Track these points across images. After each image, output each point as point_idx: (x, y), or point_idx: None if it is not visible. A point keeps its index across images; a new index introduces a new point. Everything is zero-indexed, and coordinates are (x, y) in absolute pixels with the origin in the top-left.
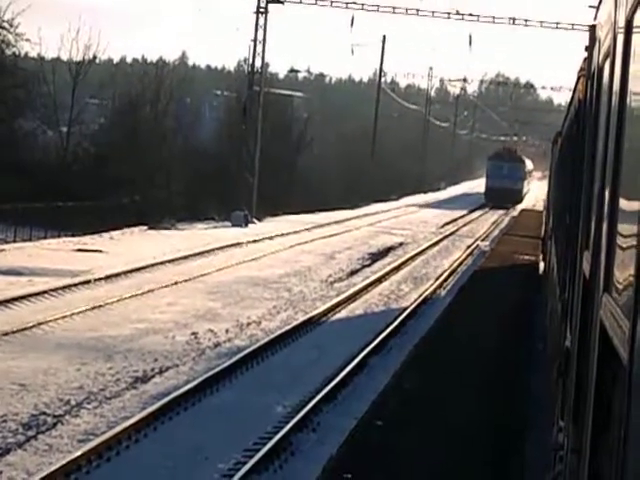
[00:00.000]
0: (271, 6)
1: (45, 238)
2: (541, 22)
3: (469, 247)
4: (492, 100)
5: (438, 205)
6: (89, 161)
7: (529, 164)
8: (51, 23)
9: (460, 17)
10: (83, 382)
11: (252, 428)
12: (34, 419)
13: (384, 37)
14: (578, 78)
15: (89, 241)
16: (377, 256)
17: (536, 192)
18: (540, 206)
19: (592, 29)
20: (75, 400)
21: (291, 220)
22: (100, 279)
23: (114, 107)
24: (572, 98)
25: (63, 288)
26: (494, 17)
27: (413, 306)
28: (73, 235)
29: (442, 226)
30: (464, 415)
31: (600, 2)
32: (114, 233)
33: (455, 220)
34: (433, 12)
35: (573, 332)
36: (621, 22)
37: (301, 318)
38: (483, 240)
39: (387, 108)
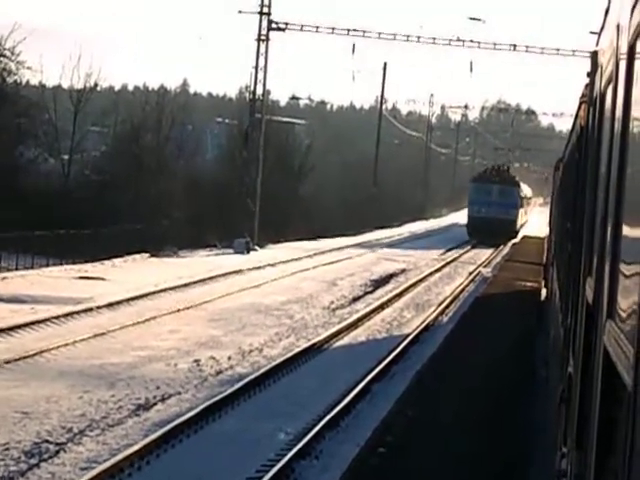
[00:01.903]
0: (272, 33)
1: (47, 266)
2: (542, 48)
3: (471, 274)
4: (493, 126)
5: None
6: (91, 189)
7: (526, 189)
8: (52, 51)
9: (461, 43)
10: (85, 410)
11: (255, 455)
12: (36, 447)
13: (385, 64)
14: (580, 104)
15: (91, 269)
16: (379, 283)
17: (536, 222)
18: (541, 234)
19: (594, 55)
20: (78, 428)
21: (293, 247)
22: (102, 307)
23: (115, 135)
24: (574, 124)
25: (65, 316)
26: (495, 43)
27: (415, 333)
28: (75, 263)
29: (445, 252)
30: (467, 442)
31: (602, 28)
32: (116, 261)
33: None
34: (434, 39)
35: (576, 358)
36: (623, 48)
37: (303, 345)
38: (485, 267)
39: (388, 135)
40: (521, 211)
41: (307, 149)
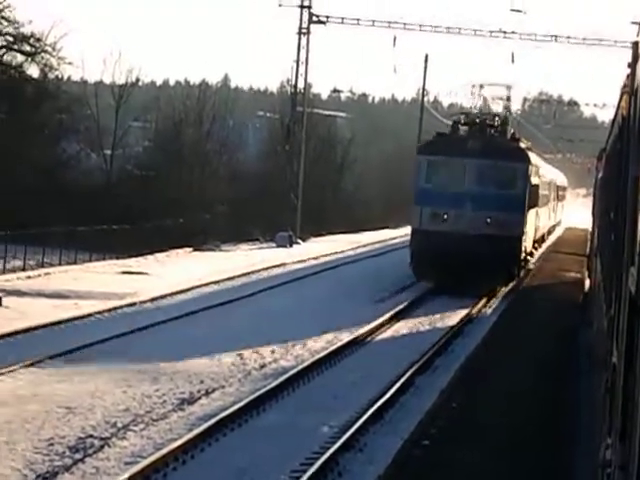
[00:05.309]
0: (313, 26)
1: (90, 261)
2: (584, 39)
3: None
4: (535, 118)
5: None
6: (133, 184)
7: (551, 171)
8: (94, 47)
9: (502, 35)
10: (129, 404)
11: (299, 449)
12: (81, 442)
13: (426, 56)
14: (621, 95)
15: (134, 264)
16: None
17: (579, 213)
18: (585, 225)
19: (635, 45)
20: (122, 422)
21: (335, 240)
22: (145, 301)
23: (157, 130)
24: (616, 115)
25: (109, 311)
26: (536, 34)
27: (459, 325)
28: (118, 258)
29: None
30: (511, 433)
31: None
32: (159, 255)
33: None
34: (475, 30)
35: (619, 348)
36: None
37: (346, 338)
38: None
39: (430, 127)
40: (538, 213)
41: (349, 142)
